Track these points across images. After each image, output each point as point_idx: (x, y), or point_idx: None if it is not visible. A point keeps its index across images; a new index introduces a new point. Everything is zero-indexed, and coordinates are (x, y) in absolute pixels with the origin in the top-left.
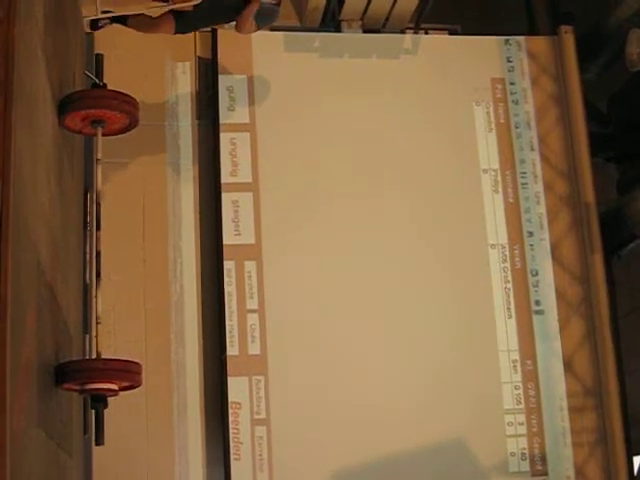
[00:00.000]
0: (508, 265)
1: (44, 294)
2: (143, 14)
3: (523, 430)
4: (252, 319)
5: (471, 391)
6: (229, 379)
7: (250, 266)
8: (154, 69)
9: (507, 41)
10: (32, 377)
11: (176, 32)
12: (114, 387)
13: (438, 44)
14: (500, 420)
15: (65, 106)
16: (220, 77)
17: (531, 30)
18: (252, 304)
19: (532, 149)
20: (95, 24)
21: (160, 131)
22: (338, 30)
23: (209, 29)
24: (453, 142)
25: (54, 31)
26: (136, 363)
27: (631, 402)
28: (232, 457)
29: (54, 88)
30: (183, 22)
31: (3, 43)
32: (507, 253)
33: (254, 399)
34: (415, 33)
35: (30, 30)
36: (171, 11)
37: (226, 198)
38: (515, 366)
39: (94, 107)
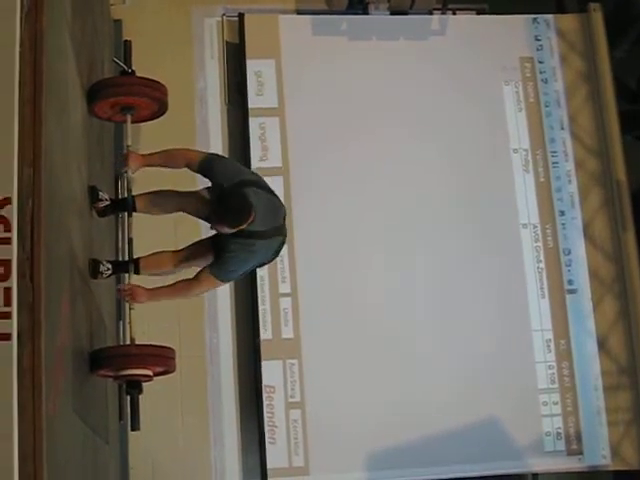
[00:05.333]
0: (540, 244)
1: (77, 281)
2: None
3: (558, 410)
4: (285, 303)
5: (505, 371)
6: (263, 363)
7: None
8: (182, 54)
9: (535, 20)
10: (67, 363)
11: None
12: (148, 373)
13: (466, 24)
14: (535, 400)
15: (94, 94)
16: (248, 62)
17: (559, 8)
18: (285, 288)
19: (562, 128)
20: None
21: (190, 116)
22: (365, 12)
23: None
24: (483, 122)
25: (82, 19)
26: (170, 348)
27: None
28: (267, 441)
29: (83, 76)
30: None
31: (32, 33)
32: (539, 232)
33: (288, 382)
34: (443, 14)
35: (58, 19)
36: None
37: None
38: (549, 345)
39: (123, 94)
